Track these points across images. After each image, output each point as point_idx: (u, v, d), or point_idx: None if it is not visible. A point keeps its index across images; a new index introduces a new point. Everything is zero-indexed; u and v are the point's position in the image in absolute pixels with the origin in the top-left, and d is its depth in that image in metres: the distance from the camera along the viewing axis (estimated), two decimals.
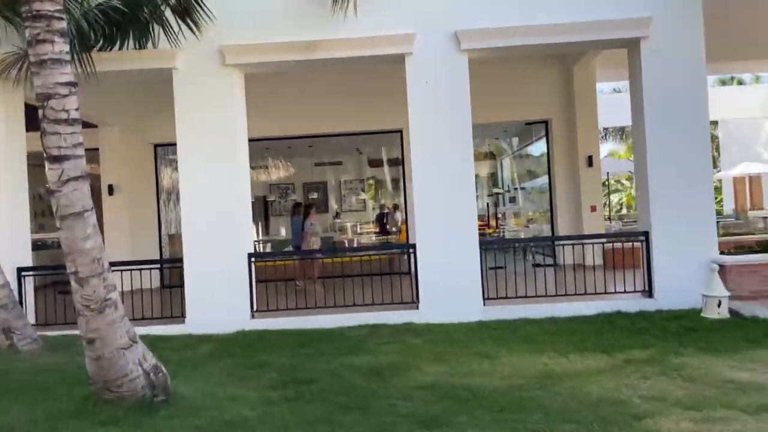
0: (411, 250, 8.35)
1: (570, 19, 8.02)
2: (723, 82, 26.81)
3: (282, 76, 10.90)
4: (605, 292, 8.28)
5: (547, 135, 13.13)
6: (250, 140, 8.86)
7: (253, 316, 8.28)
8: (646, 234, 8.14)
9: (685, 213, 7.98)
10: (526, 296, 8.26)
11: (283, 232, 16.24)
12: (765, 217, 18.05)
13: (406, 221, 12.93)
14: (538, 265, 12.55)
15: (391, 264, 12.04)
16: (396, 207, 13.77)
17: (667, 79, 8.04)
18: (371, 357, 6.32)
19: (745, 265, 7.80)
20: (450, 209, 8.17)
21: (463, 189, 8.20)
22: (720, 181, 23.69)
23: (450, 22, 8.14)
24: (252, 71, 8.68)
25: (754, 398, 4.49)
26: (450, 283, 8.10)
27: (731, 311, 7.32)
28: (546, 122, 13.06)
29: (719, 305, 7.25)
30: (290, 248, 13.02)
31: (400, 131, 12.46)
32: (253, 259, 8.46)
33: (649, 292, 8.12)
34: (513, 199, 18.27)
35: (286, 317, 8.19)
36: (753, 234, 12.33)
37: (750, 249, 8.21)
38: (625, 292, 8.24)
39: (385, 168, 17.15)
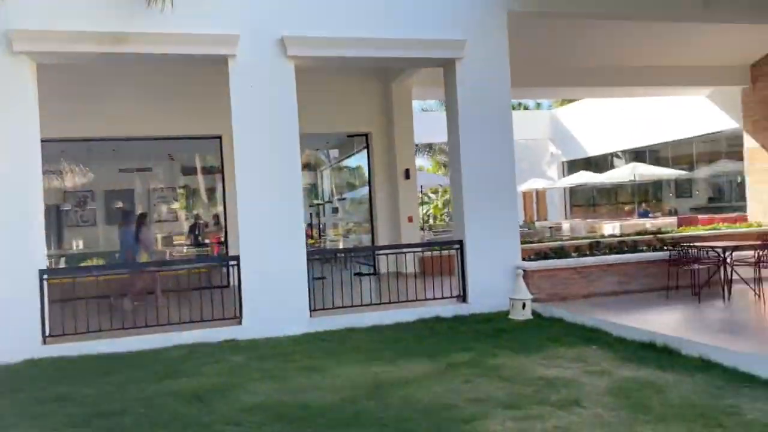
0: (234, 263, 7.90)
1: (394, 35, 8.27)
2: (513, 107, 29.84)
3: (84, 69, 9.77)
4: (425, 299, 8.63)
5: (367, 148, 13.44)
6: (43, 141, 7.74)
7: (45, 342, 7.20)
8: (461, 243, 8.64)
9: (494, 223, 8.63)
10: (352, 306, 8.28)
11: (80, 244, 14.52)
12: (551, 227, 20.44)
13: (225, 232, 12.32)
14: (360, 274, 12.76)
15: (210, 278, 11.36)
16: (216, 217, 13.09)
17: (479, 98, 8.66)
18: (191, 380, 5.81)
19: (543, 270, 8.64)
20: (277, 219, 7.91)
21: (291, 199, 8.00)
22: None
23: (277, 27, 7.92)
24: (47, 61, 7.62)
25: (563, 393, 4.89)
26: (276, 296, 7.82)
27: (534, 312, 8.03)
28: (366, 135, 13.37)
29: (524, 307, 7.92)
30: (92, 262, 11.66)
31: (219, 137, 11.89)
32: (45, 276, 7.36)
33: (463, 298, 8.62)
34: (335, 210, 18.44)
35: (88, 341, 7.25)
36: (543, 242, 13.82)
37: (546, 255, 9.11)
38: (442, 298, 8.65)
39: (200, 176, 16.25)
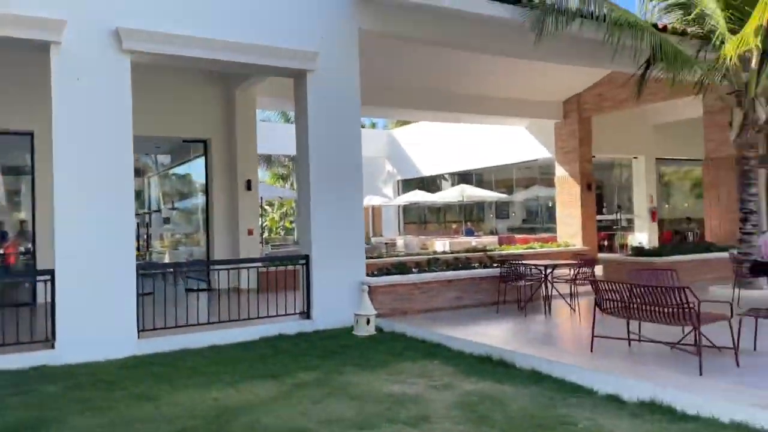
0: (46, 277, 6.91)
1: (245, 40, 7.92)
2: None
3: None
4: (267, 316, 8.28)
5: (206, 155, 12.75)
6: None
7: None
8: (307, 258, 8.46)
9: (341, 239, 8.59)
10: (187, 325, 7.68)
11: None
12: (386, 243, 21.06)
13: (34, 242, 10.83)
14: (191, 290, 11.99)
15: (12, 294, 9.91)
16: (22, 224, 11.45)
17: (329, 112, 8.60)
18: None
19: (386, 286, 8.76)
20: (104, 229, 7.09)
21: (121, 207, 7.24)
22: None
23: (112, 17, 7.18)
24: None
25: (412, 410, 4.91)
26: (97, 315, 6.99)
27: (377, 328, 8.09)
28: (205, 142, 12.69)
29: (368, 323, 7.94)
30: None
31: (31, 134, 10.50)
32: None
33: (307, 314, 8.43)
34: (167, 220, 17.20)
35: None
36: (382, 257, 14.13)
37: (388, 271, 9.27)
38: (285, 314, 8.38)
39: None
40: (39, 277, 7.67)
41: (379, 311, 8.36)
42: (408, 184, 25.73)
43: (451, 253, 15.49)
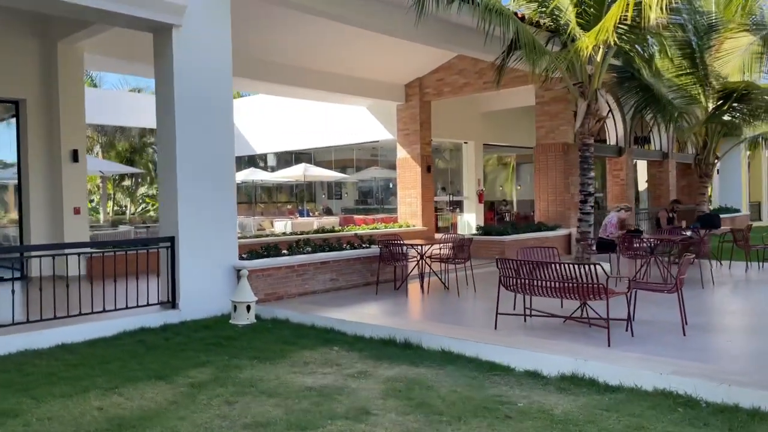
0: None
1: None
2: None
3: None
4: (126, 308, 7.15)
5: (17, 118, 10.70)
6: None
7: None
8: (172, 239, 7.46)
9: (211, 218, 7.73)
10: (25, 322, 6.31)
11: None
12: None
13: None
14: (1, 280, 10.04)
15: None
16: None
17: (197, 75, 7.64)
18: None
19: (259, 270, 8.10)
20: None
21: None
22: None
23: None
24: None
25: (344, 403, 4.51)
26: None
27: (255, 315, 7.44)
28: (17, 103, 10.64)
29: (248, 310, 7.26)
30: None
31: None
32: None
33: (172, 303, 7.46)
34: None
35: None
36: (245, 238, 13.16)
37: (259, 254, 8.57)
38: (147, 305, 7.33)
39: None
40: None
41: (256, 297, 7.70)
42: (239, 162, 24.50)
43: (294, 234, 15.07)
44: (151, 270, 7.89)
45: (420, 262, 8.93)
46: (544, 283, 5.77)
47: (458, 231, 19.61)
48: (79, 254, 8.79)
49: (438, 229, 18.27)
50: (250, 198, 25.68)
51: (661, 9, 8.73)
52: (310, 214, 22.15)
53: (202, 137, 7.66)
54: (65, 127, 10.58)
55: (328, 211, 23.35)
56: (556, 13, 10.39)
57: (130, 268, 7.88)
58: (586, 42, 9.21)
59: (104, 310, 6.91)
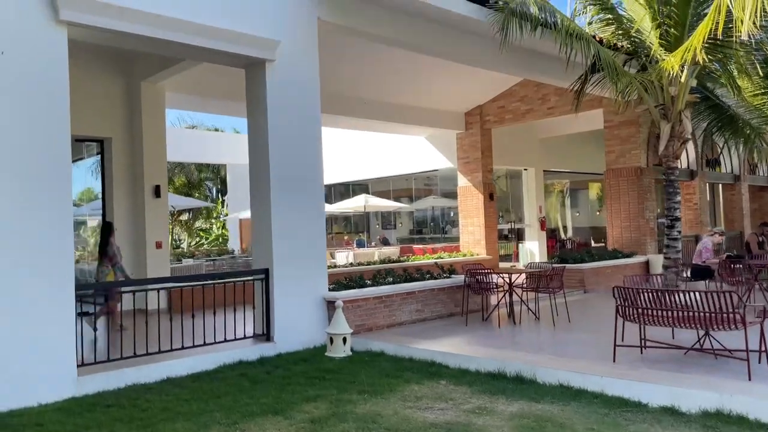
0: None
1: (198, 19, 6.80)
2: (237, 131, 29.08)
3: None
4: (225, 340, 7.13)
5: (102, 156, 11.03)
6: None
7: None
8: (266, 272, 7.46)
9: (302, 249, 7.71)
10: (135, 356, 6.35)
11: None
12: None
13: None
14: (86, 314, 10.20)
15: None
16: None
17: (288, 107, 7.70)
18: None
19: (350, 301, 7.99)
20: (27, 237, 5.62)
21: (57, 207, 5.80)
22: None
23: None
24: None
25: None
26: (25, 350, 5.50)
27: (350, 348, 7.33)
28: (102, 141, 10.98)
29: (344, 342, 7.16)
30: None
31: None
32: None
33: (267, 336, 7.42)
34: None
35: None
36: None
37: (344, 284, 8.48)
38: (244, 337, 7.32)
39: None
40: None
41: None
42: None
43: (360, 264, 15.00)
44: (230, 302, 7.73)
45: (507, 291, 8.70)
46: (668, 312, 5.49)
47: (519, 259, 19.25)
48: (181, 287, 8.81)
49: (501, 258, 17.95)
50: None
51: (754, 23, 8.47)
52: (365, 244, 22.11)
53: (294, 169, 7.70)
54: (148, 163, 10.85)
55: (385, 241, 23.27)
56: (636, 35, 10.21)
57: (210, 301, 7.83)
58: (671, 62, 8.97)
59: (204, 344, 6.90)
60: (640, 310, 5.68)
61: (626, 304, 5.80)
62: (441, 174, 19.79)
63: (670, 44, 9.69)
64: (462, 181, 17.39)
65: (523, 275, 9.05)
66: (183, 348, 6.72)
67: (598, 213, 25.38)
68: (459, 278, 9.21)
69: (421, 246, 20.11)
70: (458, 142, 17.47)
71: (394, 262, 14.69)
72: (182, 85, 11.24)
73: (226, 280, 8.15)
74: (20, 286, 5.53)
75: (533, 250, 19.48)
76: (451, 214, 19.60)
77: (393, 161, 20.01)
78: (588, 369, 5.64)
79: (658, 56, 9.63)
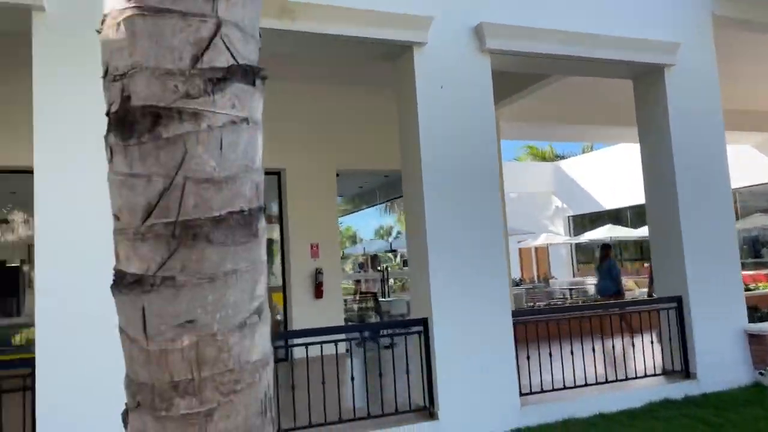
0: (422, 327, 5.54)
1: (600, 30, 6.46)
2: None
3: None
4: (636, 377, 6.49)
5: None
6: None
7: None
8: (679, 299, 6.67)
9: (717, 274, 6.77)
10: (567, 387, 6.04)
11: None
12: (570, 288, 18.57)
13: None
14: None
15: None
16: None
17: (688, 119, 6.92)
18: None
19: None
20: (476, 267, 5.70)
21: (492, 240, 5.84)
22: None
23: (472, 10, 5.94)
24: None
25: None
26: (475, 377, 5.52)
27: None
28: None
29: None
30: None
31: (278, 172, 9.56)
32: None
33: (686, 372, 6.59)
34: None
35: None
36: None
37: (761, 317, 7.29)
38: (655, 375, 6.61)
39: None
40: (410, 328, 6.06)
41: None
42: (581, 220, 23.61)
43: None
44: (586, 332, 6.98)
45: None
46: None
47: None
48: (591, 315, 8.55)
49: None
50: (590, 257, 24.34)
51: None
52: None
53: (702, 186, 6.86)
54: None
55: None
56: None
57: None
58: None
59: (616, 379, 6.31)
60: None
61: None
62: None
63: None
64: None
65: None
66: (606, 382, 6.23)
67: None
68: None
69: (751, 273, 17.24)
70: None
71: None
72: (512, 114, 11.13)
73: (633, 308, 7.57)
74: (479, 320, 5.61)
75: None
76: None
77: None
78: None
79: None
